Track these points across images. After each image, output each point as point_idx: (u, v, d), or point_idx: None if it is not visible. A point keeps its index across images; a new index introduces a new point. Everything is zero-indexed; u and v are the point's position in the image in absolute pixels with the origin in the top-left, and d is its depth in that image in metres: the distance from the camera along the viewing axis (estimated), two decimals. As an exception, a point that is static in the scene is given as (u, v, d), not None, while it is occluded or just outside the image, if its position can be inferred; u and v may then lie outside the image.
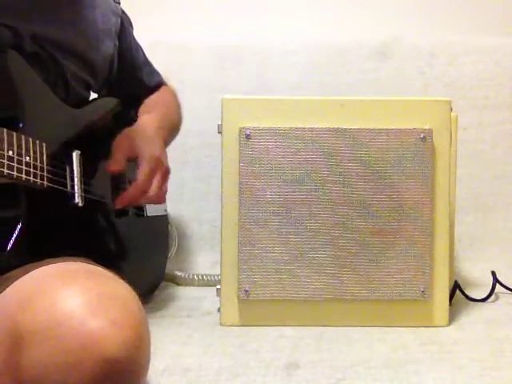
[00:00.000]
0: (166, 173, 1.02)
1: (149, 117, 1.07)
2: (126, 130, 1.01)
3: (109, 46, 1.05)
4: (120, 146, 0.98)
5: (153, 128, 1.03)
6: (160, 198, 1.03)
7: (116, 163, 0.96)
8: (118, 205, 0.97)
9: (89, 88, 1.03)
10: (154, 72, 1.19)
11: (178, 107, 1.20)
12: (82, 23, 0.97)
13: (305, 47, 1.49)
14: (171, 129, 1.13)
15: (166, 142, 1.08)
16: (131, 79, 1.14)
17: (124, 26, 1.10)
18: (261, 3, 1.60)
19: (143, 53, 1.18)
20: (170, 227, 1.26)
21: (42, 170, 0.81)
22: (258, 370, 0.79)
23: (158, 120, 1.07)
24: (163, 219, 1.23)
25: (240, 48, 1.49)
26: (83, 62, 0.97)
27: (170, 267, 1.23)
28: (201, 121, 1.35)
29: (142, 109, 1.12)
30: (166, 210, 1.24)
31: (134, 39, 1.15)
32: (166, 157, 1.03)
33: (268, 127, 0.95)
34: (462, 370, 0.79)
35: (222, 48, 1.49)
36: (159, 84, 1.19)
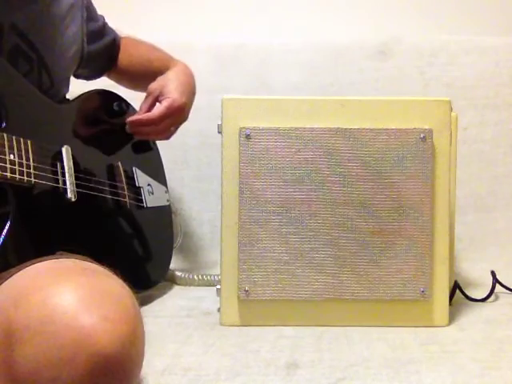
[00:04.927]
0: (180, 121, 1.15)
1: (176, 70, 1.17)
2: (160, 77, 1.13)
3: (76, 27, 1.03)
4: (152, 89, 1.11)
5: (182, 80, 1.15)
6: (164, 134, 1.15)
7: (146, 104, 1.11)
8: (128, 127, 1.10)
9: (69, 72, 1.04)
10: (110, 29, 1.19)
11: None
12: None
13: (305, 47, 1.49)
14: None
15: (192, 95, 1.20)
16: (101, 44, 1.15)
17: None
18: (261, 3, 1.60)
19: (95, 11, 1.16)
20: (173, 217, 1.26)
21: (28, 167, 0.80)
22: (257, 369, 0.78)
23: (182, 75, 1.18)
24: (166, 210, 1.23)
25: (240, 48, 1.49)
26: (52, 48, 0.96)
27: (170, 266, 1.23)
28: (201, 121, 1.35)
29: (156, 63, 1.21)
30: (168, 201, 1.23)
31: (91, 4, 1.14)
32: (188, 108, 1.15)
33: (268, 127, 0.95)
34: (462, 370, 0.78)
35: (222, 48, 1.49)
36: (117, 38, 1.20)
